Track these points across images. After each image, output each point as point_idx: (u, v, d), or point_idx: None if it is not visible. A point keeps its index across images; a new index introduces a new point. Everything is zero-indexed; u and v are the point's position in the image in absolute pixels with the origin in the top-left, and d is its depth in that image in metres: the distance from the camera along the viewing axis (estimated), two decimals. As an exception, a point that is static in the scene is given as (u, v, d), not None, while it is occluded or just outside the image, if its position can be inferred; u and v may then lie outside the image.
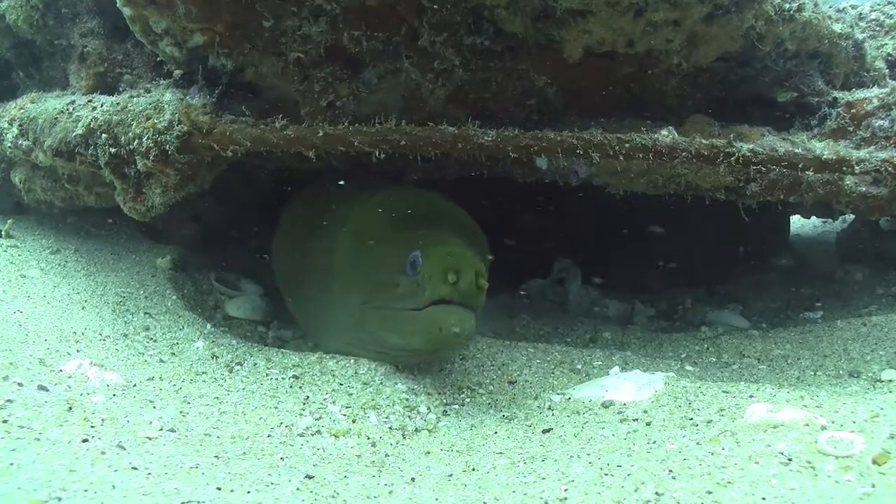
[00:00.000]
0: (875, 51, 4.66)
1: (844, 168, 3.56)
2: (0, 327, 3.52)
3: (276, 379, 3.63)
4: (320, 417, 3.26)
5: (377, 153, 3.46)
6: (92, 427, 2.71)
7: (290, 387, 3.56)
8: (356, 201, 4.16)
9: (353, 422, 3.27)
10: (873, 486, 2.22)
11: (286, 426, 3.13)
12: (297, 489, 2.53)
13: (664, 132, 3.53)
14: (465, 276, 3.35)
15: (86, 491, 2.21)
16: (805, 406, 2.82)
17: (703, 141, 3.50)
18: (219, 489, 2.42)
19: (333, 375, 3.69)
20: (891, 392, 3.38)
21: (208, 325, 4.30)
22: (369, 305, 3.74)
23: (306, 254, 4.32)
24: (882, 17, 5.07)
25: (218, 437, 2.92)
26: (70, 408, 2.81)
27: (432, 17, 3.44)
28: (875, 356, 3.95)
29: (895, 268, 5.77)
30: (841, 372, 3.85)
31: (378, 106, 3.74)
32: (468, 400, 3.60)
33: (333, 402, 3.42)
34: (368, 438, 3.13)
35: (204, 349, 3.88)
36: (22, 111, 4.35)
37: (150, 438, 2.75)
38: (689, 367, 4.03)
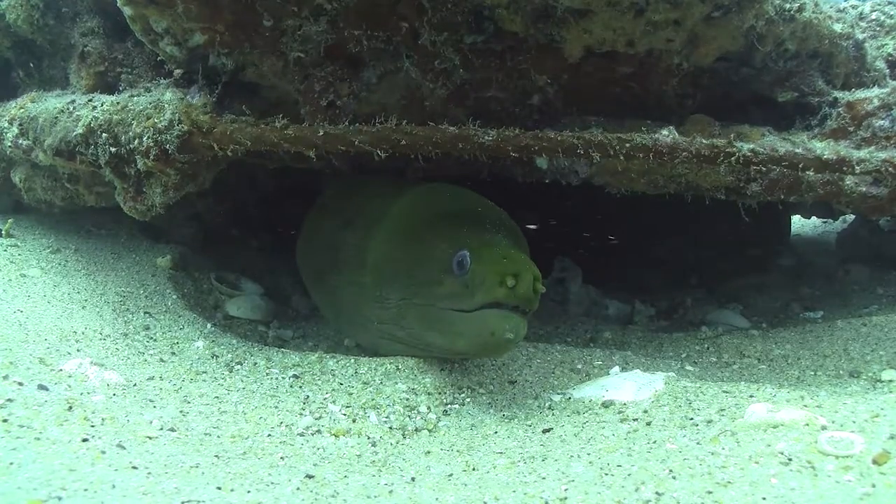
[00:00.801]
0: (875, 51, 4.66)
1: (845, 168, 3.56)
2: (0, 326, 3.52)
3: (277, 378, 3.63)
4: (320, 417, 3.26)
5: (378, 153, 3.46)
6: (92, 426, 2.71)
7: (291, 386, 3.56)
8: (395, 196, 4.13)
9: (354, 421, 3.27)
10: (873, 486, 2.22)
11: (286, 426, 3.13)
12: (298, 489, 2.53)
13: (665, 132, 3.53)
14: (524, 279, 3.28)
15: (86, 490, 2.21)
16: (805, 406, 2.82)
17: (704, 141, 3.50)
18: (219, 489, 2.42)
19: (333, 375, 3.69)
20: (891, 392, 3.38)
21: (208, 325, 4.30)
22: (409, 302, 3.69)
23: (339, 249, 4.28)
24: (882, 17, 5.07)
25: (218, 437, 2.92)
26: (70, 407, 2.81)
27: (433, 17, 3.44)
28: (875, 356, 3.95)
29: (895, 268, 5.77)
30: (841, 372, 3.85)
31: (378, 105, 3.74)
32: (468, 399, 3.60)
33: (333, 402, 3.42)
34: (369, 438, 3.13)
35: (204, 349, 3.88)
36: (22, 110, 4.35)
37: (150, 438, 2.75)
38: (689, 367, 4.03)
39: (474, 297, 3.36)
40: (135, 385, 3.26)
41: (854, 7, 5.12)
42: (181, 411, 3.09)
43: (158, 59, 3.97)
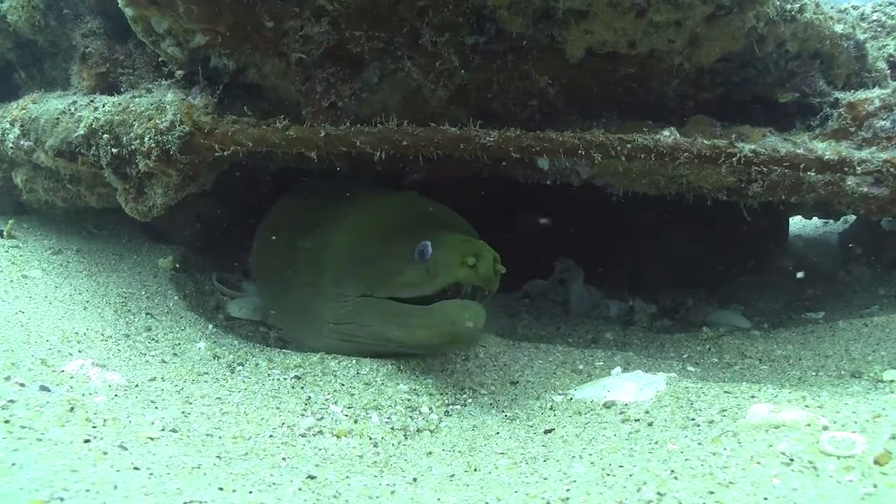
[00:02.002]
0: (877, 51, 4.66)
1: (846, 169, 3.56)
2: (2, 328, 3.51)
3: (278, 379, 3.63)
4: (322, 418, 3.26)
5: (379, 154, 3.46)
6: (94, 427, 2.71)
7: (292, 387, 3.56)
8: (354, 200, 4.17)
9: (355, 422, 3.27)
10: (875, 486, 2.22)
11: (288, 426, 3.13)
12: (299, 489, 2.53)
13: (666, 132, 3.53)
14: (485, 259, 3.35)
15: (87, 491, 2.21)
16: (807, 406, 2.82)
17: (705, 141, 3.50)
18: (221, 489, 2.42)
19: (335, 376, 3.69)
20: (892, 392, 3.38)
21: (210, 326, 4.30)
22: (368, 297, 3.71)
23: (295, 253, 4.29)
24: (884, 18, 5.06)
25: (220, 438, 2.92)
26: (72, 408, 2.81)
27: (434, 18, 3.44)
28: (877, 356, 3.94)
29: (896, 268, 5.78)
30: (843, 372, 3.85)
31: (380, 106, 3.74)
32: (470, 400, 3.60)
33: (335, 403, 3.42)
34: (370, 439, 3.13)
35: (206, 350, 3.88)
36: (24, 111, 4.35)
37: (151, 439, 2.75)
38: (690, 368, 4.03)
39: (436, 279, 3.43)
40: (136, 386, 3.26)
41: (855, 8, 5.12)
42: (183, 412, 3.09)
43: (160, 60, 3.97)
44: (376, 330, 3.72)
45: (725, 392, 3.19)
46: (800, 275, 5.87)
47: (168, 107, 3.69)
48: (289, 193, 4.92)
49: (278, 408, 3.30)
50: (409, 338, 3.61)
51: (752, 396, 3.08)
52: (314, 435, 3.10)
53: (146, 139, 3.65)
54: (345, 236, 3.98)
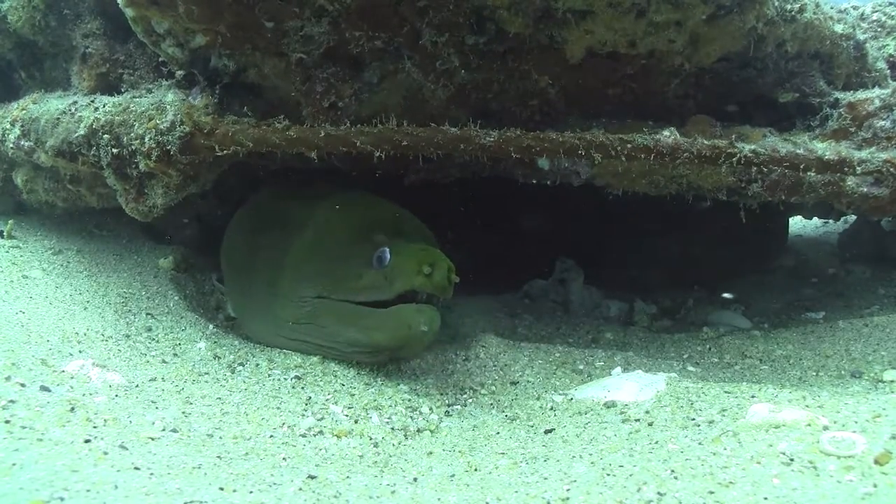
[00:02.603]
0: (876, 51, 4.66)
1: (846, 169, 3.56)
2: (2, 328, 3.52)
3: (279, 379, 3.63)
4: (322, 418, 3.26)
5: (379, 154, 3.46)
6: (94, 427, 2.71)
7: (293, 387, 3.56)
8: (315, 201, 4.23)
9: (356, 422, 3.27)
10: (875, 486, 2.22)
11: (288, 426, 3.14)
12: (300, 489, 2.53)
13: (666, 133, 3.54)
14: (440, 268, 3.49)
15: (88, 491, 2.21)
16: (807, 406, 2.82)
17: (705, 141, 3.50)
18: (221, 489, 2.42)
19: (335, 376, 3.69)
20: (892, 392, 3.38)
21: (210, 326, 4.30)
22: (326, 299, 3.78)
23: (257, 252, 4.33)
24: (884, 18, 5.07)
25: (220, 438, 2.92)
26: (72, 408, 2.81)
27: (434, 18, 3.44)
28: (877, 356, 3.94)
29: (897, 268, 5.78)
30: (843, 372, 3.85)
31: (380, 106, 3.74)
32: (470, 400, 3.61)
33: (335, 403, 3.42)
34: (371, 439, 3.14)
35: (206, 350, 3.88)
36: (24, 112, 4.35)
37: (152, 439, 2.75)
38: (691, 368, 4.03)
39: (393, 286, 3.55)
40: (137, 386, 3.26)
41: (855, 8, 5.13)
42: (183, 412, 3.09)
43: (160, 60, 3.97)
44: (333, 331, 3.79)
45: (726, 392, 3.19)
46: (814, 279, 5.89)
47: (168, 107, 3.69)
48: (257, 193, 4.93)
49: (279, 408, 3.30)
50: (365, 339, 3.69)
51: (753, 396, 3.08)
52: (315, 435, 3.10)
53: (146, 139, 3.65)
54: (305, 238, 4.04)
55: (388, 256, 3.59)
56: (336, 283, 3.77)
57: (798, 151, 3.55)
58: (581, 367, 3.96)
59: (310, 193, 4.38)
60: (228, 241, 4.77)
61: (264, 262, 4.20)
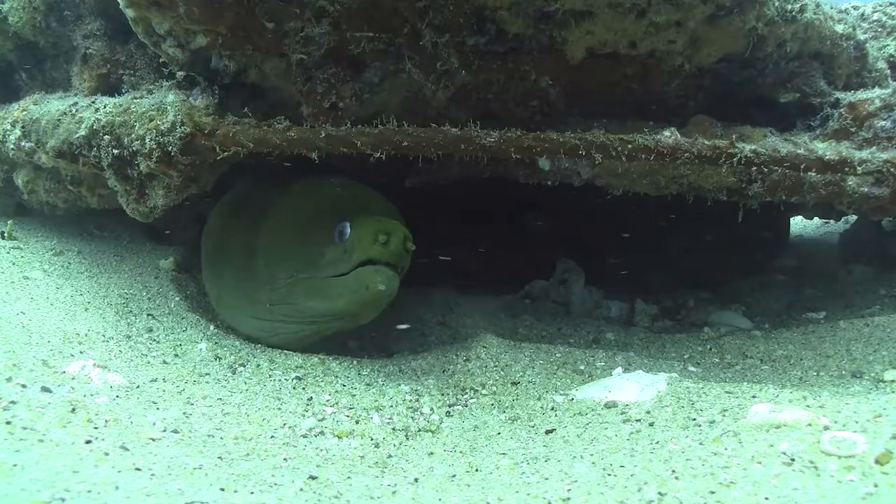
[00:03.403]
0: (877, 51, 4.67)
1: (847, 169, 3.57)
2: (3, 329, 3.52)
3: (280, 380, 3.63)
4: (323, 418, 3.27)
5: (379, 154, 3.47)
6: (95, 428, 2.71)
7: (294, 388, 3.57)
8: (284, 186, 4.31)
9: (357, 423, 3.27)
10: (876, 485, 2.22)
11: (289, 427, 3.14)
12: (301, 490, 2.53)
13: (667, 133, 3.54)
14: (395, 237, 3.62)
15: (89, 492, 2.22)
16: (808, 406, 2.82)
17: (706, 142, 3.50)
18: (222, 490, 2.42)
19: (336, 376, 3.70)
20: (893, 392, 3.38)
21: (211, 327, 4.31)
22: (297, 278, 3.88)
23: (231, 238, 4.41)
24: (884, 18, 5.07)
25: (221, 438, 2.92)
26: (73, 409, 2.82)
27: (434, 19, 3.45)
28: (878, 356, 3.94)
29: (898, 268, 5.78)
30: (843, 372, 3.84)
31: (380, 107, 3.75)
32: (471, 401, 3.61)
33: (336, 403, 3.43)
34: (372, 439, 3.14)
35: (207, 350, 3.88)
36: (25, 113, 4.35)
37: (153, 439, 2.75)
38: (691, 368, 4.03)
39: (352, 257, 3.66)
40: (138, 387, 3.26)
41: (855, 8, 5.13)
42: (184, 413, 3.09)
43: (161, 61, 3.97)
44: (304, 307, 3.90)
45: (726, 392, 3.19)
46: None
47: (169, 108, 3.69)
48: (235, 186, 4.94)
49: (280, 408, 3.30)
50: (331, 307, 3.81)
51: (754, 396, 3.08)
52: (315, 435, 3.11)
53: (147, 140, 3.65)
54: (274, 223, 4.14)
55: (349, 230, 3.72)
56: (304, 261, 3.88)
57: (799, 151, 3.55)
58: (582, 367, 3.96)
59: (282, 181, 4.42)
60: (206, 232, 4.79)
61: (238, 249, 4.27)
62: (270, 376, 3.67)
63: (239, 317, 4.27)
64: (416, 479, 2.75)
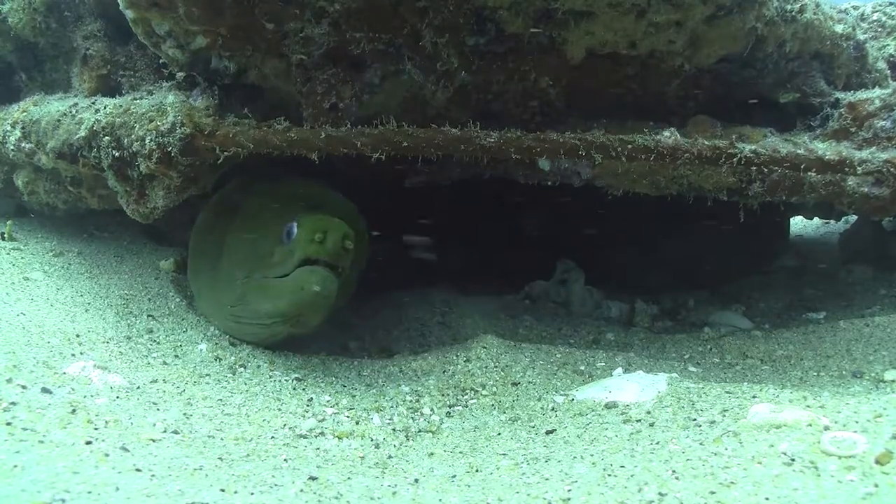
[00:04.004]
0: (877, 51, 4.67)
1: (847, 169, 3.57)
2: (3, 330, 3.52)
3: (280, 381, 3.64)
4: (324, 419, 3.27)
5: (379, 155, 3.47)
6: (95, 429, 2.71)
7: (294, 389, 3.57)
8: (248, 187, 4.35)
9: (357, 423, 3.28)
10: (876, 485, 2.22)
11: (290, 428, 3.14)
12: (301, 490, 2.53)
13: (666, 133, 3.54)
14: (332, 235, 3.56)
15: (89, 493, 2.22)
16: (808, 406, 2.82)
17: (706, 142, 3.50)
18: (222, 490, 2.42)
19: (336, 377, 3.70)
20: (893, 392, 3.38)
21: (211, 328, 4.30)
22: (250, 279, 3.86)
23: (206, 239, 4.42)
24: (884, 18, 5.08)
25: (221, 439, 2.92)
26: (74, 410, 2.82)
27: (434, 19, 3.45)
28: (878, 356, 3.94)
29: (898, 268, 5.77)
30: (844, 372, 3.84)
31: (380, 107, 3.75)
32: (471, 401, 3.61)
33: (337, 404, 3.43)
34: (372, 440, 3.14)
35: (207, 351, 3.88)
36: (25, 114, 4.35)
37: (153, 440, 2.75)
38: (692, 368, 4.03)
39: (293, 256, 3.61)
40: (138, 388, 3.26)
41: (855, 8, 5.13)
42: (184, 414, 3.10)
43: (161, 62, 3.97)
44: (255, 308, 3.87)
45: (727, 392, 3.19)
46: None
47: (169, 109, 3.69)
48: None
49: (280, 409, 3.31)
50: (275, 308, 3.76)
51: (754, 397, 3.08)
52: (316, 436, 3.11)
53: (147, 141, 3.65)
54: (236, 224, 4.14)
55: (296, 230, 3.68)
56: (255, 262, 3.86)
57: (799, 152, 3.55)
58: (582, 367, 3.96)
59: (252, 181, 4.46)
60: (193, 232, 4.80)
61: (211, 250, 4.27)
62: (271, 377, 3.67)
63: (212, 317, 4.30)
64: (416, 480, 2.76)
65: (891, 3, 5.21)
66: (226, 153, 3.63)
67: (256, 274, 3.83)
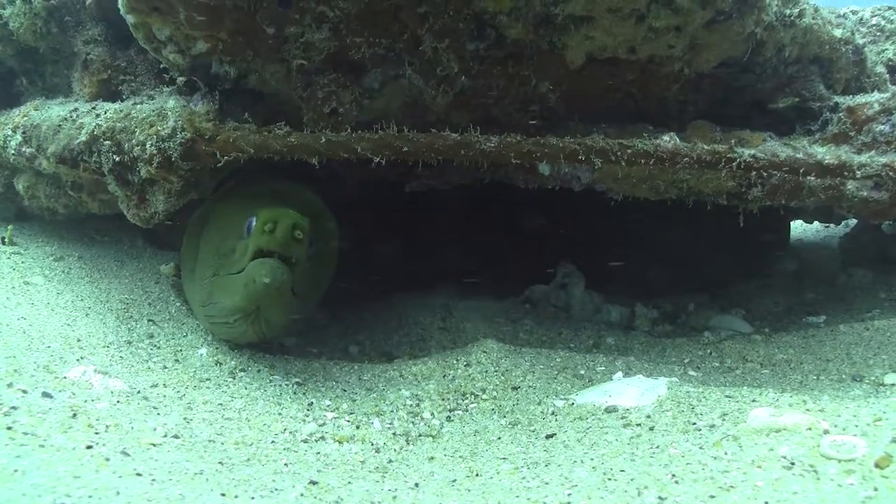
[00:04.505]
0: (876, 56, 4.68)
1: (846, 173, 3.57)
2: (4, 334, 3.52)
3: (280, 385, 3.64)
4: (324, 423, 3.27)
5: (379, 160, 3.47)
6: (96, 434, 2.72)
7: (294, 393, 3.57)
8: (222, 193, 4.34)
9: (357, 428, 3.28)
10: (876, 489, 2.23)
11: (290, 432, 3.14)
12: (302, 495, 2.54)
13: (666, 138, 3.55)
14: (281, 225, 3.48)
15: (90, 497, 2.22)
16: (808, 410, 2.82)
17: (705, 146, 3.51)
18: (223, 495, 2.43)
19: (337, 381, 3.71)
20: (893, 396, 3.37)
21: (211, 332, 4.31)
22: (216, 276, 3.83)
23: (191, 241, 4.40)
24: (883, 22, 5.08)
25: (222, 444, 2.93)
26: (74, 414, 2.82)
27: (434, 24, 3.45)
28: (878, 360, 3.95)
29: (898, 272, 5.77)
30: (844, 376, 3.85)
31: (380, 112, 3.75)
32: (472, 405, 3.61)
33: (337, 408, 3.43)
34: (372, 444, 3.14)
35: (207, 356, 3.88)
36: (25, 118, 4.36)
37: (154, 445, 2.75)
38: (692, 372, 4.03)
39: (248, 250, 3.54)
40: (139, 392, 3.27)
41: (854, 12, 5.14)
42: (185, 418, 3.10)
43: (161, 66, 3.98)
44: (221, 305, 3.82)
45: (727, 396, 3.19)
46: None
47: (170, 113, 3.69)
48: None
49: (280, 413, 3.31)
50: (233, 303, 3.70)
51: (754, 400, 3.08)
52: (316, 440, 3.11)
53: (148, 146, 3.66)
54: (209, 225, 4.13)
55: (254, 224, 3.63)
56: (220, 259, 3.82)
57: (798, 156, 3.56)
58: (582, 371, 3.96)
59: (234, 186, 4.46)
60: (186, 234, 4.82)
61: (191, 252, 4.28)
62: (271, 381, 3.67)
63: (197, 317, 4.30)
64: (416, 484, 2.76)
65: (889, 8, 5.21)
66: (226, 158, 3.63)
67: (222, 271, 3.79)
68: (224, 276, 3.75)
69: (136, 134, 3.72)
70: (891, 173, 3.49)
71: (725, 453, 2.61)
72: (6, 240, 5.04)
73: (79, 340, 3.69)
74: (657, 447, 2.82)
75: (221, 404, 3.33)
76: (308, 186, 4.35)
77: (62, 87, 4.73)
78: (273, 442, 3.03)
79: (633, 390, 3.42)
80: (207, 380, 3.60)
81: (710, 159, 3.48)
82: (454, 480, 2.80)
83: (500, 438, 3.23)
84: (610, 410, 3.31)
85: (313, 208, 4.08)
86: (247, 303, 3.63)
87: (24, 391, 2.93)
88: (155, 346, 3.94)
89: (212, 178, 4.05)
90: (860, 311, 5.12)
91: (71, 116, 4.05)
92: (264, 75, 3.77)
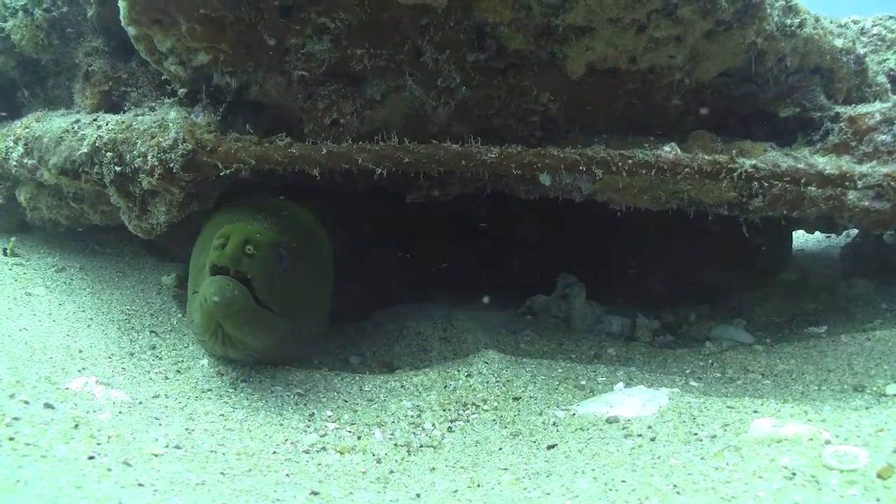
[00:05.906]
0: (877, 65, 4.68)
1: (847, 183, 3.57)
2: (6, 345, 3.53)
3: (282, 396, 3.64)
4: (325, 434, 3.27)
5: (381, 171, 3.48)
6: (98, 444, 2.72)
7: (296, 403, 3.57)
8: (219, 208, 4.27)
9: (359, 438, 3.28)
10: (878, 500, 2.23)
11: (291, 443, 3.14)
12: (303, 505, 2.54)
13: (667, 148, 3.55)
14: (232, 240, 3.40)
15: (92, 508, 2.22)
16: (809, 420, 2.82)
17: (706, 157, 3.51)
18: (224, 506, 2.43)
19: (338, 392, 3.70)
20: (895, 406, 3.38)
21: (213, 343, 4.31)
22: (194, 294, 3.79)
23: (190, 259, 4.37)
24: (884, 32, 5.08)
25: (223, 454, 2.93)
26: (76, 425, 2.82)
27: (435, 35, 3.46)
28: (879, 370, 3.94)
29: (899, 282, 5.77)
30: (845, 386, 3.85)
31: (381, 123, 3.76)
32: (473, 416, 3.61)
33: (338, 419, 3.43)
34: (373, 455, 3.14)
35: (209, 366, 3.88)
36: (27, 130, 4.36)
37: (155, 455, 2.76)
38: (693, 383, 4.03)
39: (206, 267, 3.46)
40: (140, 403, 3.27)
41: (855, 22, 5.14)
42: (187, 429, 3.10)
43: (163, 78, 3.99)
44: (196, 322, 3.74)
45: (728, 407, 3.19)
46: None
47: (171, 125, 3.70)
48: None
49: (282, 424, 3.31)
50: (196, 323, 3.67)
51: (755, 411, 3.08)
52: (318, 451, 3.11)
53: (149, 157, 3.66)
54: (197, 240, 4.12)
55: None
56: (198, 277, 3.76)
57: (799, 166, 3.56)
58: (583, 382, 3.96)
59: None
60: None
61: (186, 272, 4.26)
62: (272, 392, 3.67)
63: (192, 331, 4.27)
64: (417, 495, 2.76)
65: (891, 17, 5.21)
66: (228, 169, 3.63)
67: (197, 289, 3.71)
68: (193, 294, 3.75)
69: (138, 145, 3.72)
70: (892, 183, 3.49)
71: (727, 464, 2.62)
72: (8, 251, 5.04)
73: (80, 351, 3.69)
74: (659, 458, 2.82)
75: (223, 415, 3.33)
76: (305, 202, 4.33)
77: (64, 99, 4.74)
78: (275, 452, 3.03)
79: (635, 401, 3.42)
80: (209, 390, 3.60)
81: (712, 169, 3.49)
82: (455, 491, 2.80)
83: (501, 449, 3.23)
84: (611, 421, 3.30)
85: (301, 223, 4.08)
86: (205, 320, 3.54)
87: (26, 402, 2.93)
88: (157, 356, 3.95)
89: (213, 189, 4.06)
90: (861, 321, 5.12)
91: (72, 128, 4.06)
92: (266, 86, 3.78)
